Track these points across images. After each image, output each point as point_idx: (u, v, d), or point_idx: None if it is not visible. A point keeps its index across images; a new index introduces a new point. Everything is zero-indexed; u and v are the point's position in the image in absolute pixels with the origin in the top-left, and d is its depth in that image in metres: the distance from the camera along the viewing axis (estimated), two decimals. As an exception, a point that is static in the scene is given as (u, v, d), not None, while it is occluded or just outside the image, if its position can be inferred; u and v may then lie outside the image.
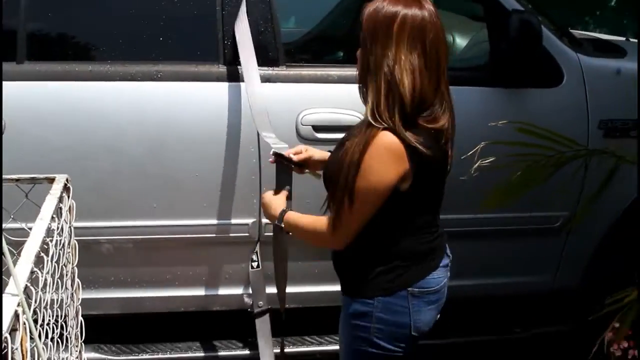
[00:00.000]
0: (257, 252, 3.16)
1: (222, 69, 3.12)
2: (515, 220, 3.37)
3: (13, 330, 1.40)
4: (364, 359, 2.28)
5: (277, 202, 2.44)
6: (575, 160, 2.73)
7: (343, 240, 2.20)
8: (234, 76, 3.11)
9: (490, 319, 3.69)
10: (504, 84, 3.33)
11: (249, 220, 3.17)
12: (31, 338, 1.51)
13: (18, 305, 1.42)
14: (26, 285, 1.53)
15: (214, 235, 3.18)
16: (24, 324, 1.44)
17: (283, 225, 2.36)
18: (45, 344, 1.73)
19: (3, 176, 2.35)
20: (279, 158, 2.54)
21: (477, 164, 2.67)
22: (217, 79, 3.11)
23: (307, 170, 2.60)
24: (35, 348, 1.54)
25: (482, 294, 3.58)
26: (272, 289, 3.19)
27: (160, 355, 3.25)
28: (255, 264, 3.18)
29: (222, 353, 3.33)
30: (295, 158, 2.54)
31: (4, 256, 1.44)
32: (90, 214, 2.89)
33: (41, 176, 2.29)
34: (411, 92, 2.05)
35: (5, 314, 1.37)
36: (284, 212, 2.37)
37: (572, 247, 3.54)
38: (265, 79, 3.11)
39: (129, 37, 3.13)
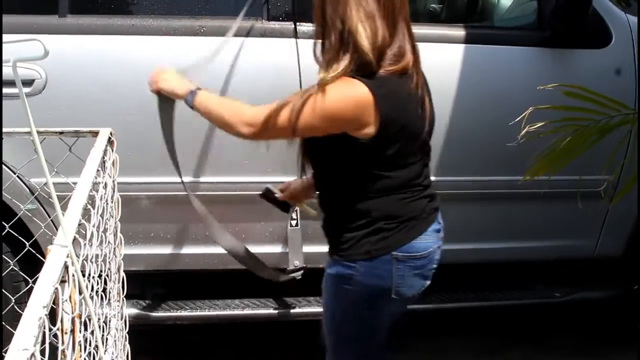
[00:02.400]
0: (296, 211, 3.14)
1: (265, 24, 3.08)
2: (559, 183, 3.32)
3: (62, 282, 1.38)
4: (345, 320, 2.29)
5: (180, 79, 2.42)
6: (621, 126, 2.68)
7: (253, 134, 2.17)
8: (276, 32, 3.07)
9: (531, 283, 3.66)
10: (550, 44, 3.26)
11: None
12: (79, 291, 1.50)
13: (67, 256, 1.40)
14: (74, 237, 1.51)
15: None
16: (73, 275, 1.43)
17: (193, 105, 2.29)
18: (91, 297, 1.73)
19: (47, 129, 2.36)
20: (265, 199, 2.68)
21: (524, 130, 2.61)
22: (261, 34, 3.08)
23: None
24: (83, 300, 1.53)
25: (524, 257, 3.54)
26: (309, 248, 3.22)
27: (198, 313, 3.25)
28: (294, 222, 3.17)
29: (259, 311, 3.32)
30: (280, 197, 2.63)
31: (55, 207, 1.42)
32: (131, 170, 2.90)
33: (85, 129, 2.28)
34: (368, 40, 2.01)
35: (55, 264, 1.36)
36: (197, 89, 2.32)
37: (615, 214, 3.48)
38: (309, 35, 3.04)
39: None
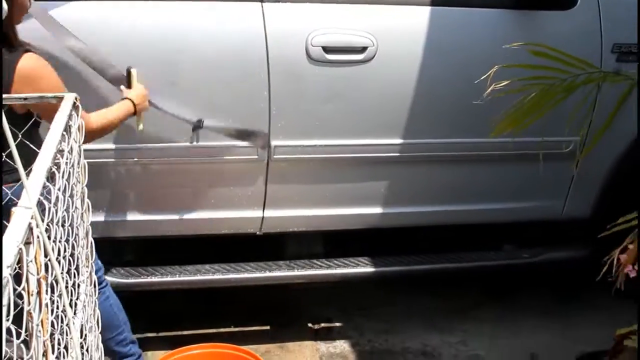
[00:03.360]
0: None
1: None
2: (525, 145, 3.34)
3: (27, 244, 1.38)
4: None
5: None
6: (586, 85, 2.69)
7: None
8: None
9: (500, 244, 3.70)
10: (515, 5, 3.26)
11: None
12: (45, 253, 1.49)
13: (32, 218, 1.39)
14: (39, 199, 1.50)
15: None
16: (38, 237, 1.42)
17: None
18: (58, 261, 1.72)
19: (8, 95, 2.33)
20: None
21: (490, 88, 2.62)
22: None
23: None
24: (49, 262, 1.53)
25: (492, 219, 3.58)
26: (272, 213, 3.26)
27: (168, 278, 3.26)
28: None
29: (231, 276, 3.34)
30: None
31: (19, 170, 1.41)
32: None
33: (50, 95, 2.25)
34: None
35: (19, 225, 1.35)
36: None
37: (582, 175, 3.52)
38: (274, -1, 3.06)
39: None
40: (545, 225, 3.72)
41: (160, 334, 3.55)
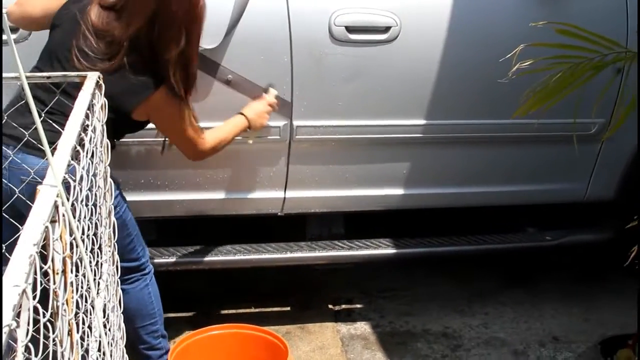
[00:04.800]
0: None
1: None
2: (549, 126, 3.31)
3: (52, 222, 1.37)
4: None
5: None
6: (613, 65, 2.66)
7: None
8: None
9: (522, 227, 3.67)
10: None
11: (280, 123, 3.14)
12: (70, 231, 1.48)
13: (57, 196, 1.39)
14: (64, 177, 1.49)
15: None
16: (64, 215, 1.42)
17: None
18: (82, 240, 1.71)
19: (37, 74, 2.33)
20: None
21: (515, 67, 2.59)
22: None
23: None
24: (74, 241, 1.52)
25: (514, 201, 3.55)
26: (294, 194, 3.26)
27: (189, 259, 3.27)
28: None
29: (252, 256, 3.33)
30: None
31: (43, 146, 1.40)
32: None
33: (72, 74, 2.24)
34: None
35: (45, 203, 1.34)
36: None
37: (606, 157, 3.48)
38: (296, -22, 3.03)
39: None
40: (568, 208, 3.68)
41: (181, 314, 3.56)
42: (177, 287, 3.56)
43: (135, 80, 2.54)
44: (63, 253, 1.43)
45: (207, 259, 3.29)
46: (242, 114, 2.96)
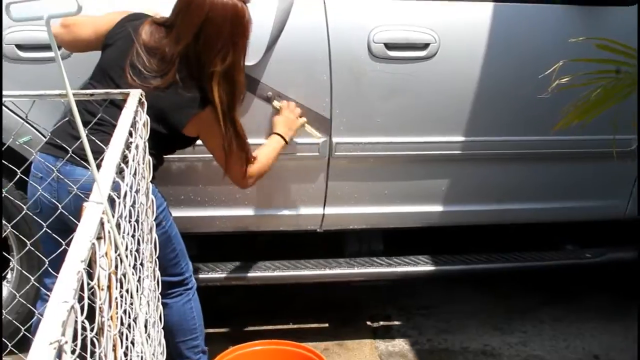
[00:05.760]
0: None
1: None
2: (589, 143, 3.29)
3: (98, 239, 1.39)
4: None
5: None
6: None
7: None
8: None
9: (562, 244, 3.65)
10: (579, 1, 3.20)
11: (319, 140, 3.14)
12: (115, 248, 1.50)
13: (103, 213, 1.41)
14: (109, 194, 1.51)
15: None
16: (109, 232, 1.44)
17: None
18: (126, 256, 1.73)
19: (78, 91, 2.37)
20: None
21: (554, 83, 2.58)
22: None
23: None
24: (118, 257, 1.54)
25: (553, 218, 3.53)
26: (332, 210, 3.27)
27: (229, 274, 3.28)
28: None
29: (291, 273, 3.34)
30: None
31: (89, 164, 1.43)
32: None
33: (115, 91, 2.28)
34: None
35: (92, 221, 1.36)
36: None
37: (647, 174, 3.45)
38: (336, -5, 3.05)
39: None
40: (608, 225, 3.65)
41: (220, 330, 3.57)
42: (216, 302, 3.58)
43: (187, 97, 2.59)
44: (108, 269, 1.45)
45: (246, 274, 3.30)
46: (276, 133, 2.98)
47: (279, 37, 2.96)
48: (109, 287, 1.47)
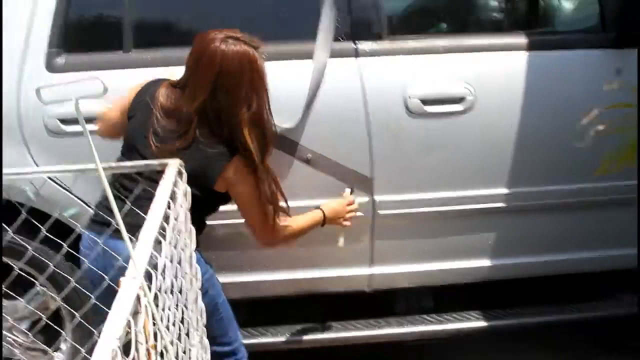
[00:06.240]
0: None
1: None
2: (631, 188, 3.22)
3: (135, 314, 1.40)
4: None
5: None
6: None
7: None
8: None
9: (619, 293, 3.55)
10: (616, 45, 3.16)
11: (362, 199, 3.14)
12: (154, 321, 1.51)
13: (139, 288, 1.42)
14: (146, 269, 1.53)
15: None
16: (146, 306, 1.44)
17: None
18: (167, 328, 1.74)
19: (122, 163, 2.42)
20: None
21: (592, 131, 2.55)
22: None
23: None
24: (157, 330, 1.54)
25: (607, 265, 3.45)
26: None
27: (279, 338, 3.28)
28: None
29: (341, 334, 3.33)
30: None
31: (125, 241, 1.44)
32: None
33: (155, 162, 2.31)
34: None
35: (128, 296, 1.37)
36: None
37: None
38: (371, 54, 3.06)
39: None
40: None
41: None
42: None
43: (212, 152, 2.59)
44: (146, 343, 1.45)
45: (295, 338, 3.29)
46: (320, 209, 2.97)
47: (314, 98, 2.98)
48: (148, 361, 1.47)
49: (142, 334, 1.42)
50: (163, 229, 1.83)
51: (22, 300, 3.05)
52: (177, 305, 1.96)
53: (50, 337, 3.19)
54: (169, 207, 1.97)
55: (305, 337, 3.29)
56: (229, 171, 2.62)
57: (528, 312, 3.40)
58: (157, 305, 1.61)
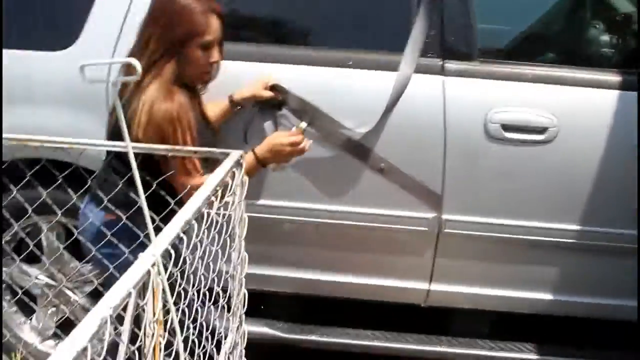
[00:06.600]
0: None
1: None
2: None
3: (145, 289, 1.46)
4: None
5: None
6: None
7: None
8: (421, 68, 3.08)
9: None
10: None
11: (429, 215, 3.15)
12: (165, 301, 1.57)
13: (153, 265, 1.48)
14: (167, 248, 1.59)
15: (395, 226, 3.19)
16: (158, 283, 1.50)
17: None
18: (187, 311, 1.80)
19: (182, 147, 2.51)
20: None
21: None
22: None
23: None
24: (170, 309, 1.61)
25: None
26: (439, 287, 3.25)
27: (328, 339, 3.31)
28: None
29: (391, 345, 3.33)
30: None
31: (146, 221, 1.50)
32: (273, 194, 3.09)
33: (217, 150, 2.38)
34: None
35: (136, 271, 1.43)
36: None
37: None
38: (458, 74, 3.07)
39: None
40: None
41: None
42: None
43: None
44: (153, 318, 1.52)
45: (345, 341, 3.31)
46: (252, 151, 2.81)
47: (393, 109, 3.00)
48: (153, 335, 1.54)
49: (149, 308, 1.49)
50: (202, 215, 1.90)
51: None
52: (200, 288, 2.02)
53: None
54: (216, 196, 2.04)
55: (355, 342, 3.31)
56: None
57: (580, 352, 3.32)
58: (177, 285, 1.68)
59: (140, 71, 1.34)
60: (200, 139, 2.61)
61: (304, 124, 2.93)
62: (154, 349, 1.53)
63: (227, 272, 2.32)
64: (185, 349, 1.75)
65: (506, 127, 3.04)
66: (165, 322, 1.61)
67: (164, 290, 1.54)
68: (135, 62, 1.35)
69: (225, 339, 2.35)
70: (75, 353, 1.13)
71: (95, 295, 3.29)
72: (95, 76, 1.42)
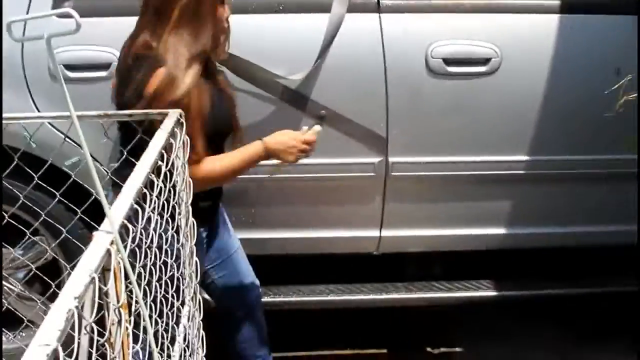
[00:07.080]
0: None
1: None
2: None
3: (107, 270, 1.31)
4: None
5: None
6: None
7: None
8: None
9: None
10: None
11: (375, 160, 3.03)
12: (128, 279, 1.41)
13: (111, 243, 1.32)
14: (124, 223, 1.42)
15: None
16: (119, 263, 1.35)
17: None
18: (148, 287, 1.65)
19: (118, 111, 2.32)
20: None
21: (622, 99, 2.42)
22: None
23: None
24: (132, 290, 1.45)
25: (625, 239, 3.31)
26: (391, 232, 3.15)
27: (281, 298, 3.22)
28: None
29: (347, 297, 3.24)
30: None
31: (99, 196, 1.34)
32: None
33: (154, 111, 2.20)
34: None
35: (95, 252, 1.27)
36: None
37: None
38: (393, 9, 2.94)
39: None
40: None
41: (274, 355, 3.47)
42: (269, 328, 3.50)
43: None
44: (117, 303, 1.36)
45: (300, 299, 3.22)
46: (261, 140, 2.58)
47: (327, 51, 2.86)
48: (119, 322, 1.38)
49: (112, 291, 1.33)
50: (152, 181, 1.74)
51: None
52: (164, 262, 1.88)
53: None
54: (162, 159, 1.87)
55: (310, 299, 3.22)
56: None
57: (539, 285, 3.29)
58: (136, 262, 1.53)
59: (80, 23, 1.16)
60: (213, 118, 2.49)
61: (318, 127, 2.69)
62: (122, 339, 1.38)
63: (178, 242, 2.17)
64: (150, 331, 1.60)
65: (448, 61, 2.94)
66: (129, 306, 1.45)
67: (126, 271, 1.38)
68: (73, 12, 1.17)
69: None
70: (46, 357, 0.97)
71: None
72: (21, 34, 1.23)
